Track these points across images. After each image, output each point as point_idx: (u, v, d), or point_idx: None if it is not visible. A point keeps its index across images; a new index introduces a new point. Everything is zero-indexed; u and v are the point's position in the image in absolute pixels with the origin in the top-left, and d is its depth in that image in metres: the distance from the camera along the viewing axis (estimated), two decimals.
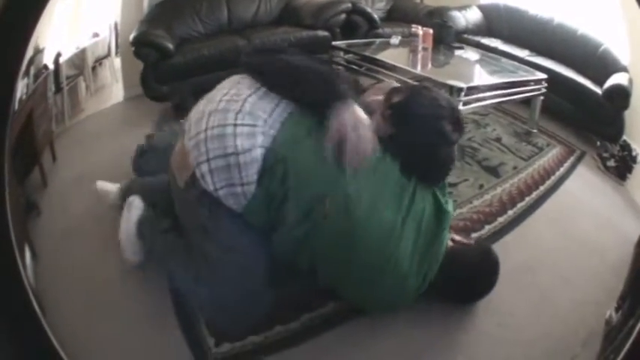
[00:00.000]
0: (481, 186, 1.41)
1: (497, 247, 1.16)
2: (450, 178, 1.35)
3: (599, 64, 2.04)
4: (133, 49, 2.11)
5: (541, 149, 1.70)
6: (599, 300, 0.99)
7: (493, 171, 1.49)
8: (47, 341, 0.93)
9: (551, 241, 1.27)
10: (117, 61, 2.54)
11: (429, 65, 1.80)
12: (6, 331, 0.86)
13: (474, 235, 1.22)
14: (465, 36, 2.11)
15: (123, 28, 2.32)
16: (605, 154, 1.82)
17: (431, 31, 1.80)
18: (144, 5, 2.33)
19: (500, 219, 1.30)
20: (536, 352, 0.96)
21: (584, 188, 1.57)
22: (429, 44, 1.79)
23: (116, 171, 1.71)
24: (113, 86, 2.50)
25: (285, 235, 0.97)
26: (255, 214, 0.99)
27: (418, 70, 1.76)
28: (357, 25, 1.94)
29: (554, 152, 1.71)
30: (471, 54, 1.96)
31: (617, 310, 0.98)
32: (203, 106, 1.19)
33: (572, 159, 1.70)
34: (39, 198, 1.53)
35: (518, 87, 1.69)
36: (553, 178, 1.55)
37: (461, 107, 1.44)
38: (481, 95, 1.54)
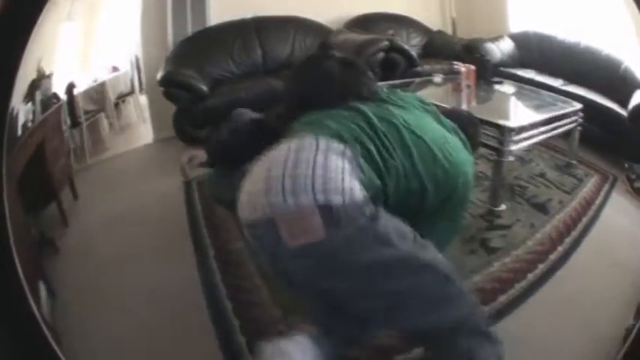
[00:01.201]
0: (532, 225, 1.42)
1: (551, 283, 1.25)
2: (504, 220, 1.44)
3: (621, 83, 2.01)
4: (162, 89, 2.07)
5: (581, 180, 1.70)
6: None
7: (542, 208, 1.50)
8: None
9: (595, 270, 1.34)
10: (142, 99, 2.44)
11: (474, 103, 1.79)
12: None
13: (529, 275, 1.31)
14: (501, 69, 2.15)
15: (147, 63, 2.26)
16: (633, 176, 1.82)
17: (473, 67, 1.80)
18: (168, 40, 2.26)
19: (552, 256, 1.31)
20: None
21: (619, 213, 1.57)
22: (472, 81, 1.79)
23: (149, 219, 1.64)
24: (140, 126, 2.46)
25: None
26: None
27: (464, 108, 1.71)
28: (396, 63, 1.95)
29: (592, 181, 1.71)
30: (509, 88, 1.98)
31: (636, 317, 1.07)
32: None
33: (606, 186, 1.70)
34: (57, 235, 1.47)
35: (561, 120, 1.69)
36: (593, 208, 1.55)
37: (512, 148, 1.47)
38: (529, 133, 1.55)
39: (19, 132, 1.30)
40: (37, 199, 1.53)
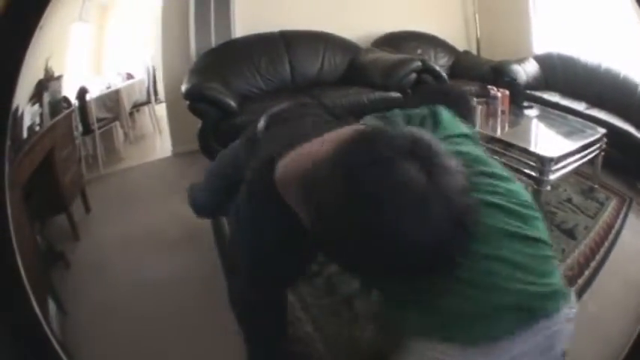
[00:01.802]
0: (563, 250, 1.43)
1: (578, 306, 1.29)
2: None
3: (638, 105, 2.16)
4: (187, 102, 2.00)
5: (602, 204, 1.72)
6: None
7: (570, 233, 1.52)
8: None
9: (615, 291, 1.41)
10: (159, 110, 2.44)
11: (507, 129, 1.83)
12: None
13: None
14: (528, 92, 2.18)
15: (167, 73, 2.25)
16: None
17: (507, 92, 1.83)
18: (191, 50, 2.24)
19: (580, 281, 1.35)
20: None
21: (633, 233, 1.61)
22: (507, 106, 1.81)
23: (169, 241, 1.60)
24: (156, 138, 2.46)
25: None
26: None
27: (499, 135, 1.78)
28: (427, 84, 1.95)
29: (612, 204, 1.74)
30: (536, 111, 2.00)
31: None
32: None
33: (624, 209, 1.74)
34: (68, 250, 1.43)
35: (591, 147, 1.72)
36: (613, 232, 1.57)
37: (551, 177, 1.49)
38: (566, 162, 1.58)
39: (25, 134, 1.28)
40: (45, 209, 1.51)
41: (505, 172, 0.82)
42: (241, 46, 2.23)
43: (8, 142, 1.00)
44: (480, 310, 0.69)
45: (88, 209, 1.67)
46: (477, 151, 0.86)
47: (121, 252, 1.50)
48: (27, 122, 1.29)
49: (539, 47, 2.88)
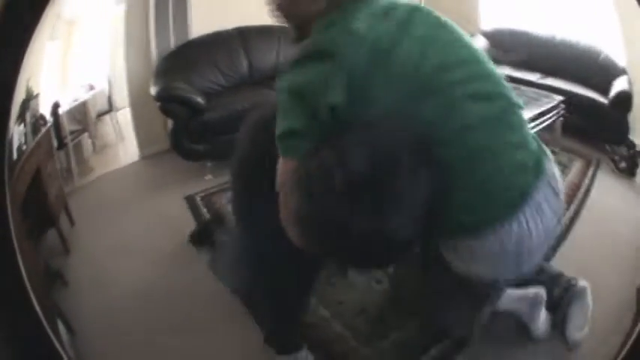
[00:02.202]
0: None
1: (554, 261, 1.34)
2: None
3: (601, 72, 2.30)
4: (158, 104, 2.09)
5: (566, 166, 1.89)
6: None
7: None
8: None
9: (591, 244, 1.50)
10: (119, 117, 2.46)
11: None
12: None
13: None
14: None
15: (130, 79, 2.30)
16: (616, 157, 2.00)
17: None
18: (152, 53, 2.30)
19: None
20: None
21: (607, 191, 1.83)
22: None
23: (153, 243, 1.64)
24: (119, 145, 2.47)
25: None
26: None
27: None
28: None
29: (577, 165, 1.94)
30: None
31: None
32: None
33: (592, 169, 1.95)
34: (62, 267, 1.49)
35: (546, 114, 1.86)
36: (582, 191, 1.77)
37: None
38: None
39: (15, 155, 1.35)
40: (37, 226, 1.57)
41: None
42: (200, 46, 2.32)
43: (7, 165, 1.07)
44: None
45: (72, 222, 1.72)
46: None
47: (112, 261, 1.55)
48: (16, 143, 1.37)
49: (488, 24, 3.05)
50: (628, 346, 0.90)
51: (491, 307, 1.13)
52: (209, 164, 1.95)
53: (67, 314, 1.27)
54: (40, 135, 1.71)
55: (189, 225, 1.67)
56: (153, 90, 2.06)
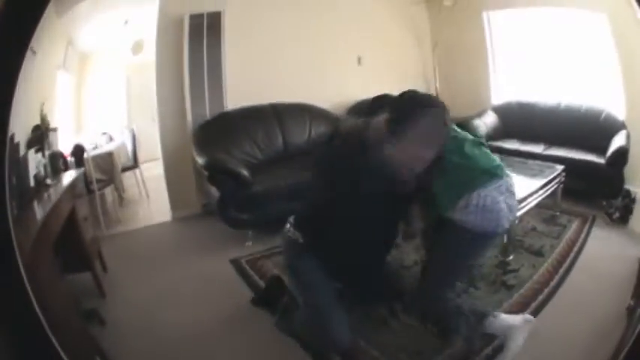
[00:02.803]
0: (534, 266, 1.84)
1: (550, 305, 1.65)
2: (513, 266, 1.83)
3: (601, 131, 2.59)
4: (206, 174, 2.20)
5: (564, 226, 2.11)
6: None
7: (538, 253, 1.93)
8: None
9: (584, 286, 1.74)
10: (145, 174, 2.76)
11: None
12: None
13: (540, 297, 1.67)
14: (490, 143, 2.35)
15: (164, 142, 2.54)
16: (611, 210, 2.25)
17: None
18: (188, 118, 2.52)
19: (553, 282, 1.75)
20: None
21: (599, 242, 2.02)
22: None
23: (203, 300, 1.71)
24: (144, 202, 2.74)
25: None
26: None
27: None
28: None
29: (575, 224, 2.15)
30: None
31: (632, 296, 1.40)
32: None
33: (587, 225, 2.16)
34: (99, 307, 1.56)
35: (549, 184, 2.07)
36: (578, 244, 1.98)
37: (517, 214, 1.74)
38: (528, 200, 1.91)
39: (32, 182, 1.38)
40: (71, 267, 1.65)
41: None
42: (237, 119, 2.57)
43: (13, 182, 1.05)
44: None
45: (105, 268, 1.84)
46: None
47: (160, 312, 1.62)
48: (32, 169, 1.39)
49: (498, 98, 3.35)
50: (628, 346, 0.94)
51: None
52: (250, 232, 2.09)
53: (107, 352, 1.33)
54: (76, 176, 1.87)
55: (238, 284, 1.80)
56: (201, 160, 2.22)
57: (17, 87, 0.89)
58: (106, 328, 1.48)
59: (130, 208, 2.75)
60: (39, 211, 1.40)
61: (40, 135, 1.58)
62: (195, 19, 2.54)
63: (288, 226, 1.47)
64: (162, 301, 1.67)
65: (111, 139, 2.75)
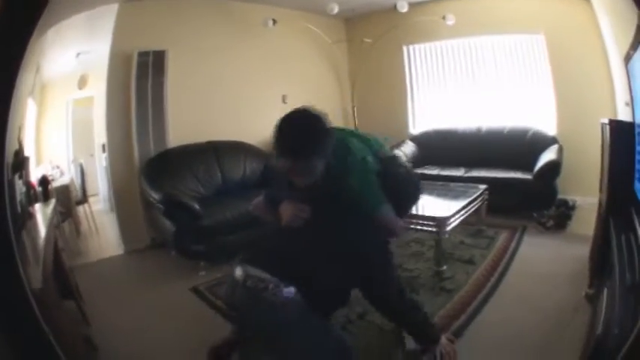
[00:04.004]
0: (467, 272, 2.15)
1: (491, 302, 1.89)
2: (448, 274, 2.14)
3: (528, 148, 3.00)
4: (162, 207, 2.42)
5: (492, 238, 2.45)
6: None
7: (469, 261, 2.26)
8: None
9: (521, 286, 2.02)
10: (95, 207, 2.99)
11: None
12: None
13: (479, 296, 1.93)
14: None
15: (115, 179, 2.76)
16: (543, 219, 2.61)
17: None
18: (134, 156, 2.74)
19: (487, 287, 2.01)
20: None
21: (533, 248, 2.35)
22: None
23: (172, 327, 1.83)
24: (94, 235, 2.94)
25: None
26: None
27: None
28: None
29: (503, 236, 2.49)
30: (424, 188, 2.52)
31: (589, 286, 1.67)
32: None
33: (517, 235, 2.50)
34: (89, 333, 1.66)
35: (473, 202, 2.39)
36: (509, 252, 2.30)
37: (447, 229, 2.17)
38: (454, 218, 2.25)
39: (19, 208, 1.37)
40: (62, 294, 1.69)
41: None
42: (180, 156, 2.87)
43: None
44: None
45: (81, 297, 1.90)
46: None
47: (136, 341, 1.73)
48: (18, 196, 1.38)
49: (416, 128, 3.85)
50: (628, 346, 0.95)
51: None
52: (202, 262, 2.31)
53: None
54: (54, 209, 1.94)
55: (201, 309, 1.96)
56: (156, 195, 2.46)
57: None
58: (99, 353, 1.60)
59: (84, 240, 2.92)
60: (33, 239, 1.43)
61: (21, 161, 1.58)
62: (143, 57, 2.78)
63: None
64: (134, 332, 1.81)
65: (61, 173, 2.88)
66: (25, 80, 1.19)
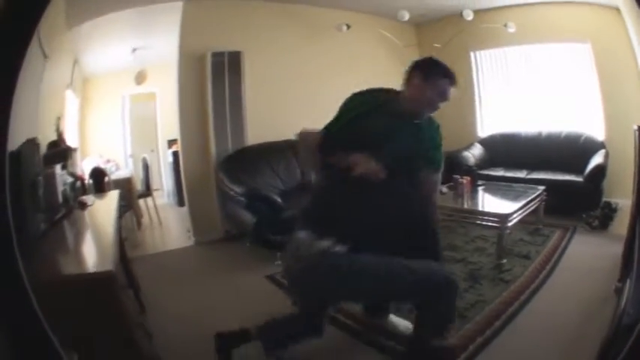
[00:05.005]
0: (524, 266, 2.32)
1: (543, 291, 2.08)
2: (507, 267, 2.31)
3: (581, 152, 3.15)
4: (243, 200, 2.54)
5: (547, 236, 2.59)
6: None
7: (525, 256, 2.43)
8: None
9: (568, 278, 2.19)
10: (157, 201, 3.14)
11: (471, 202, 2.66)
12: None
13: (532, 286, 2.12)
14: (478, 172, 2.97)
15: (188, 175, 2.86)
16: (590, 220, 2.73)
17: (469, 178, 2.65)
18: (211, 150, 2.84)
19: (541, 276, 2.21)
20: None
21: (581, 245, 2.50)
22: (469, 188, 2.65)
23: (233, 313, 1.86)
24: (157, 228, 3.09)
25: None
26: None
27: (466, 207, 2.62)
28: None
29: (557, 234, 2.64)
30: (489, 187, 2.83)
31: (619, 280, 1.76)
32: None
33: (568, 234, 2.65)
34: (145, 321, 1.69)
35: (532, 202, 2.55)
36: (560, 248, 2.45)
37: (508, 225, 2.31)
38: (515, 215, 2.44)
39: (60, 198, 1.41)
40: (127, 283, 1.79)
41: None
42: (258, 153, 2.99)
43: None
44: None
45: (139, 286, 1.96)
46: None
47: (204, 320, 1.79)
48: (60, 187, 1.42)
49: (484, 131, 3.96)
50: (628, 346, 0.96)
51: None
52: (279, 253, 2.29)
53: None
54: (121, 204, 1.90)
55: (278, 294, 2.04)
56: (238, 188, 2.60)
57: (21, 83, 0.86)
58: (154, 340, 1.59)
59: (146, 233, 3.08)
60: (74, 229, 1.45)
61: (62, 153, 1.65)
62: (217, 57, 2.90)
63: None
64: (209, 314, 1.88)
65: (117, 167, 3.07)
66: (56, 69, 1.27)
